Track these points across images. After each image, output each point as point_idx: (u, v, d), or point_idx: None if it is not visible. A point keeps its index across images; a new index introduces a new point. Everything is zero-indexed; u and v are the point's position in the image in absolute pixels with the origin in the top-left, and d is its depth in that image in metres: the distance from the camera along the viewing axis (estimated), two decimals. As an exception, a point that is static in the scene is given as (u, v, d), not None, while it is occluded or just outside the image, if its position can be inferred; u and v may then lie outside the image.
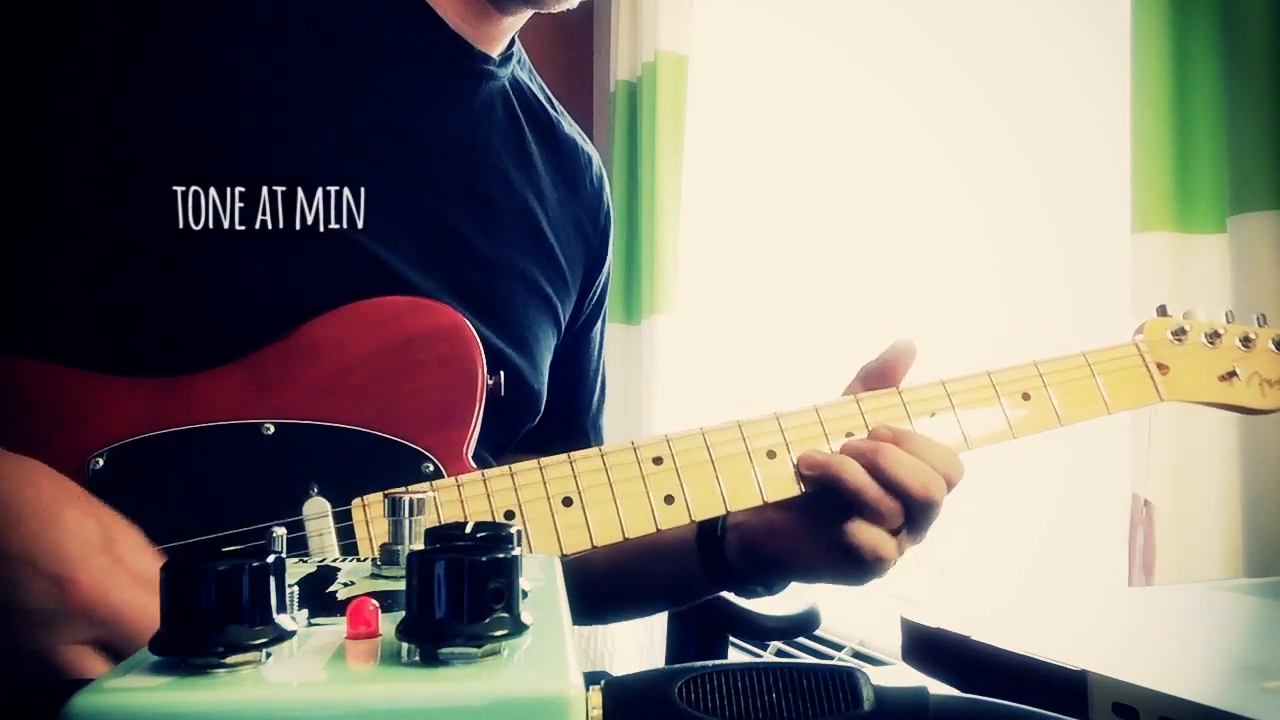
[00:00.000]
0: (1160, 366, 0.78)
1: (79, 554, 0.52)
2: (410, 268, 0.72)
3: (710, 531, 0.78)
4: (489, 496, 0.65)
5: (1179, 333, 0.79)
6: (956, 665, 0.59)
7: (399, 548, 0.39)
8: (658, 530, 0.67)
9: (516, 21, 0.81)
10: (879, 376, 0.75)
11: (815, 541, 0.72)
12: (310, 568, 0.39)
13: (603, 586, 0.86)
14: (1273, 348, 0.81)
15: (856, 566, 0.70)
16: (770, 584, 0.79)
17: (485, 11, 0.78)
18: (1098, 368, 0.76)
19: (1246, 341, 0.80)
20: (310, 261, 0.69)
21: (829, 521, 0.70)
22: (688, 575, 0.80)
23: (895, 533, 0.70)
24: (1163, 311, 0.81)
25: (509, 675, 0.25)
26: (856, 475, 0.68)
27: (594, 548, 0.66)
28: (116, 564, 0.53)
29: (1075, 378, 0.75)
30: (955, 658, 0.59)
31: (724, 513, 0.69)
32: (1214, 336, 0.79)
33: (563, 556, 0.65)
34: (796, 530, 0.73)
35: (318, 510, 0.63)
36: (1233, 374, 0.79)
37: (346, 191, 0.71)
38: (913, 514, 0.69)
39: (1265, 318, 0.82)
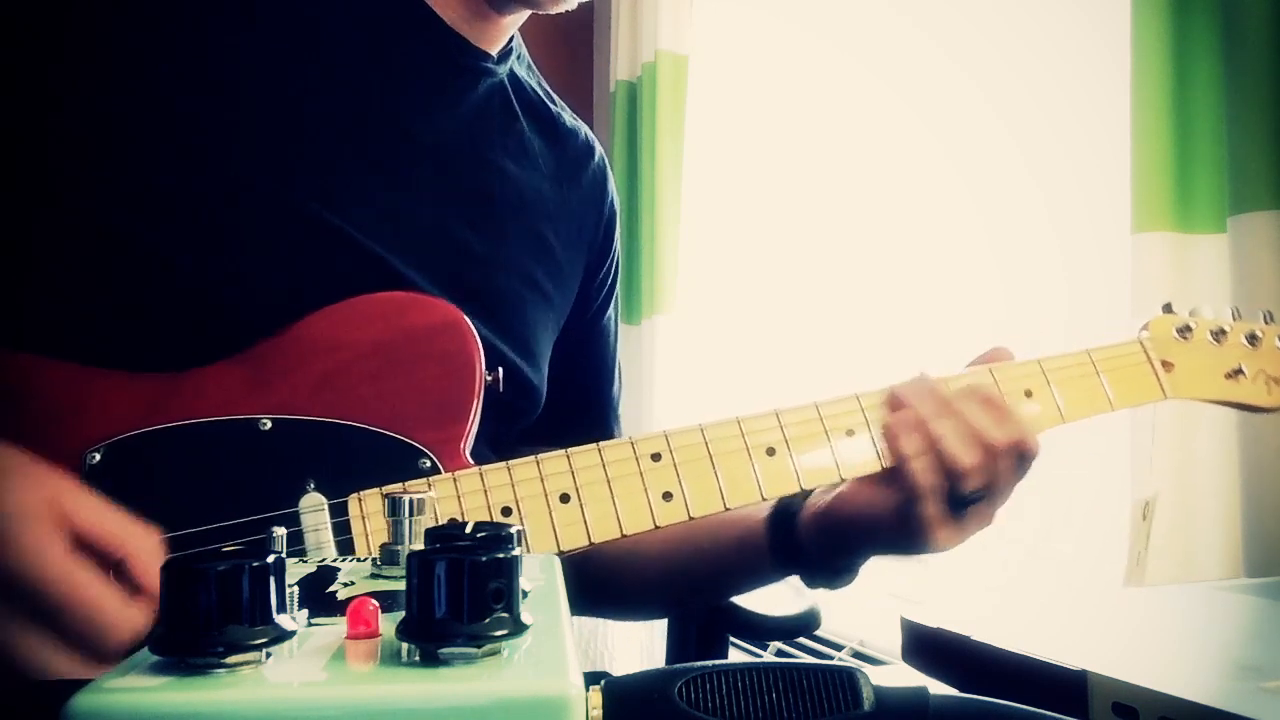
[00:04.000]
0: (1165, 364, 0.77)
1: (15, 519, 0.50)
2: (408, 266, 0.72)
3: (784, 508, 0.77)
4: (486, 493, 0.65)
5: (1184, 330, 0.78)
6: (957, 665, 0.59)
7: (399, 548, 0.39)
8: (655, 528, 0.66)
9: (515, 21, 0.81)
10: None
11: (885, 508, 0.70)
12: (310, 568, 0.39)
13: (661, 569, 0.85)
14: (1279, 345, 0.80)
15: (914, 538, 0.69)
16: (838, 568, 0.77)
17: (483, 12, 0.78)
18: (1101, 365, 0.75)
19: (1253, 339, 0.79)
20: (308, 258, 0.69)
21: (893, 489, 0.69)
22: (754, 556, 0.78)
23: (960, 504, 0.68)
24: (1168, 309, 0.80)
25: (509, 675, 0.25)
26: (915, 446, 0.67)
27: (591, 545, 0.65)
28: (54, 532, 0.51)
29: (1079, 375, 0.74)
30: (955, 658, 0.59)
31: (723, 509, 0.68)
32: (1219, 334, 0.79)
33: (560, 554, 0.64)
34: (871, 496, 0.71)
35: (314, 506, 0.63)
36: (1238, 371, 0.78)
37: (344, 189, 0.71)
38: (953, 486, 0.67)
39: (1272, 315, 0.81)
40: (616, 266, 0.94)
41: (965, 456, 0.66)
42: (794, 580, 0.81)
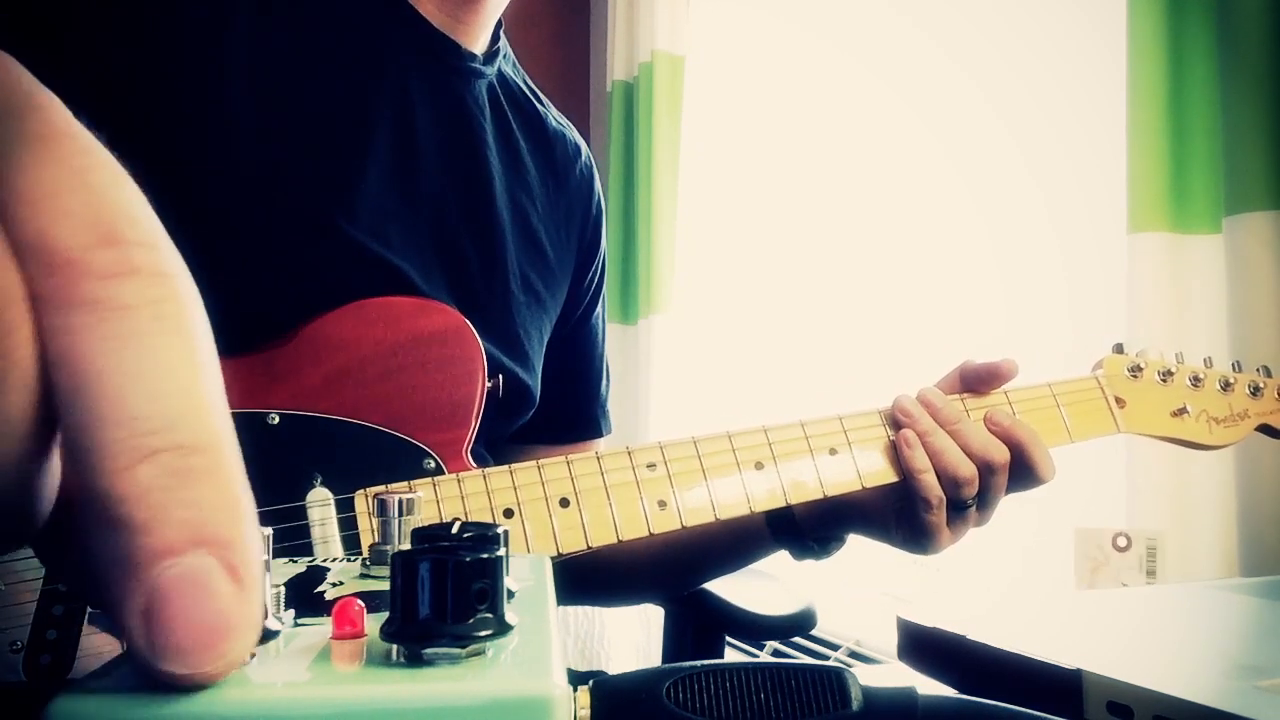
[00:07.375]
0: (1118, 400, 0.81)
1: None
2: (409, 269, 0.73)
3: None
4: (489, 494, 0.66)
5: (1134, 370, 0.83)
6: (952, 664, 0.59)
7: (388, 548, 0.38)
8: (650, 534, 0.68)
9: (495, 9, 0.80)
10: (975, 380, 0.78)
11: (886, 505, 0.76)
12: (300, 568, 0.39)
13: (666, 553, 0.87)
14: (1219, 388, 0.84)
15: (917, 536, 0.74)
16: (828, 541, 0.81)
17: (462, 3, 0.77)
18: (1061, 398, 0.80)
19: (1195, 381, 0.84)
20: (307, 261, 0.70)
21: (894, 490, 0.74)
22: (749, 530, 0.82)
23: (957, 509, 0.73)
24: (1119, 349, 0.84)
25: (493, 675, 0.25)
26: (919, 460, 0.72)
27: (589, 549, 0.67)
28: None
29: (1040, 407, 0.79)
30: (951, 657, 0.59)
31: (714, 519, 0.70)
32: (1166, 375, 0.83)
33: (558, 556, 0.65)
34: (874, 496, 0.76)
35: (320, 500, 0.63)
36: (1183, 410, 0.83)
37: (340, 192, 0.71)
38: (950, 498, 0.73)
39: (1211, 360, 0.86)
40: (604, 266, 0.95)
41: (962, 469, 0.72)
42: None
